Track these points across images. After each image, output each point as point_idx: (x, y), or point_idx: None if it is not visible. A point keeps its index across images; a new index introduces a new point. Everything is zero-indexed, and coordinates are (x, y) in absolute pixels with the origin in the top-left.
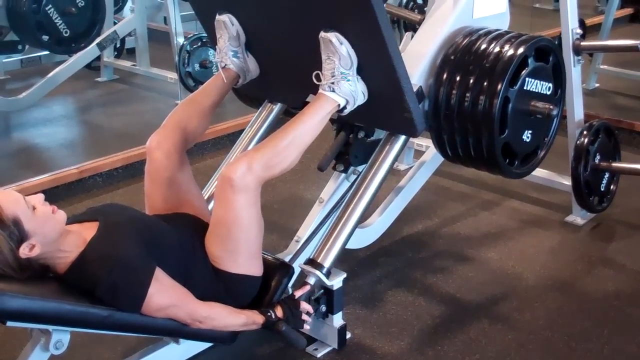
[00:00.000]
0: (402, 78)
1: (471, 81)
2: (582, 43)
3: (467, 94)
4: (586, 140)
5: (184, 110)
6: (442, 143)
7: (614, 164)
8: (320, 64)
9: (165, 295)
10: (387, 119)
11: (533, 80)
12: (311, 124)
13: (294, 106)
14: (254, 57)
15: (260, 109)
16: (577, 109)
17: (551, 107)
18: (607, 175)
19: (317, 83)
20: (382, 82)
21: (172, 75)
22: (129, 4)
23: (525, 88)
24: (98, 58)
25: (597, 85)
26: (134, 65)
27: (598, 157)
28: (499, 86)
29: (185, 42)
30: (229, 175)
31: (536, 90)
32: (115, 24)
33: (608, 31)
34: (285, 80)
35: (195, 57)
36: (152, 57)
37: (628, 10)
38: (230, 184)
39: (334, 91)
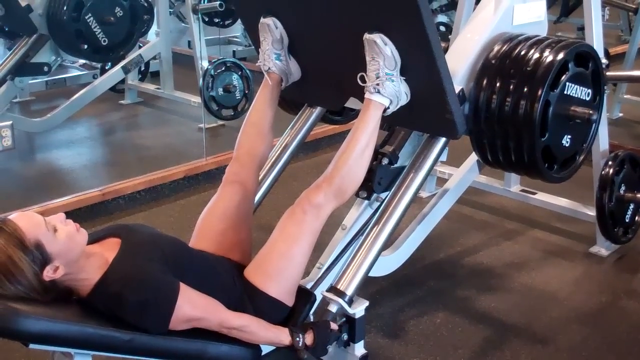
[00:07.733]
0: (445, 79)
1: (512, 85)
2: (607, 73)
3: (508, 98)
4: (611, 170)
5: (247, 137)
6: (483, 147)
7: (639, 195)
8: (362, 67)
9: (193, 307)
10: (428, 121)
11: (573, 85)
12: (367, 136)
13: (333, 110)
14: (296, 60)
15: (299, 114)
16: (602, 138)
17: (591, 112)
18: (632, 206)
19: (362, 84)
20: (425, 83)
21: (196, 99)
22: (154, 28)
23: (565, 93)
24: (122, 81)
25: (620, 114)
26: (158, 88)
27: (623, 187)
28: (540, 90)
29: (209, 67)
30: (309, 199)
31: (576, 96)
32: (140, 47)
33: (632, 61)
34: (326, 83)
35: (219, 81)
36: (176, 80)
37: None
38: (309, 206)
39: (379, 92)
